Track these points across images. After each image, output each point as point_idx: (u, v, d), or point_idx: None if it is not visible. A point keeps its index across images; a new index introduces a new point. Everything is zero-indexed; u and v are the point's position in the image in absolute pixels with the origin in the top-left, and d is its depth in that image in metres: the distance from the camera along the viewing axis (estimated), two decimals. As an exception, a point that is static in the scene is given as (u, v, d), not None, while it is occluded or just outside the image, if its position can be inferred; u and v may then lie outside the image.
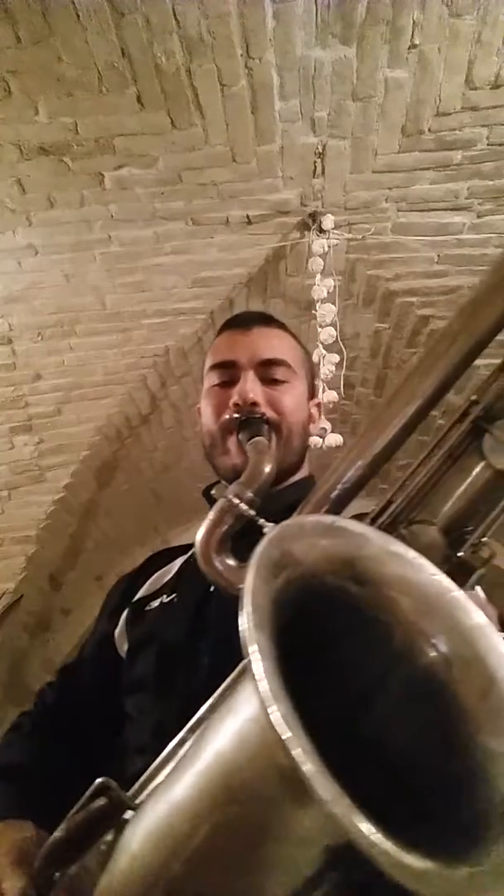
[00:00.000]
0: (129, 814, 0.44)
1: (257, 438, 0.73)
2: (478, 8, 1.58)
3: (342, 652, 0.45)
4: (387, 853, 0.28)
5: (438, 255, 2.35)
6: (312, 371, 0.98)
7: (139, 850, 0.41)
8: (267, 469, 0.64)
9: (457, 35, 1.63)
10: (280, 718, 0.29)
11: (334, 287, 2.29)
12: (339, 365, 2.37)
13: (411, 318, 2.64)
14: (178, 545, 1.03)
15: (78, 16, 1.51)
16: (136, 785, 0.47)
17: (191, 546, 0.95)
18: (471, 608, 0.42)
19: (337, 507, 0.53)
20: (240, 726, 0.38)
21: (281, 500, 0.75)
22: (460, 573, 0.46)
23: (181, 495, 3.63)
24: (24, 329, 2.46)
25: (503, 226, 2.21)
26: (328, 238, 2.21)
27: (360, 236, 2.28)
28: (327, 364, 2.31)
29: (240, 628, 0.33)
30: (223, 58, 1.65)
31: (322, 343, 2.29)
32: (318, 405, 0.98)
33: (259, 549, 0.37)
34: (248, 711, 0.36)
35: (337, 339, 2.31)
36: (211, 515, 0.59)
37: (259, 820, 0.35)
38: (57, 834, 0.47)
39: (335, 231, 2.22)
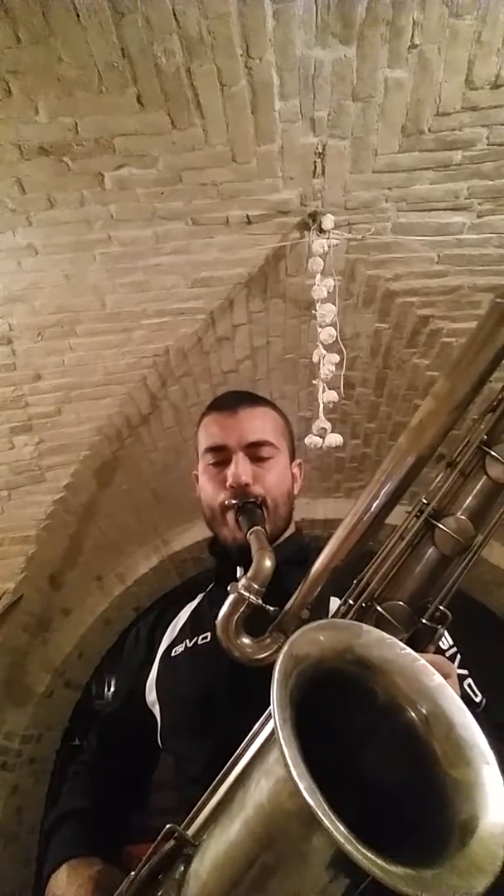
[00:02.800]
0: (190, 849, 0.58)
1: (256, 528, 0.85)
2: (478, 8, 1.58)
3: (345, 712, 0.59)
4: (379, 866, 0.42)
5: (438, 255, 2.35)
6: (292, 436, 1.11)
7: (207, 878, 0.54)
8: (268, 564, 0.75)
9: (457, 35, 1.63)
10: (304, 788, 0.42)
11: (334, 287, 2.29)
12: (339, 365, 2.37)
13: (411, 318, 2.64)
14: (176, 590, 1.16)
15: (78, 16, 1.51)
16: (196, 823, 0.60)
17: (189, 591, 1.11)
18: (431, 671, 0.57)
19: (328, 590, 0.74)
20: (272, 785, 0.51)
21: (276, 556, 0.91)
22: (426, 633, 0.64)
23: (181, 495, 3.63)
24: (24, 329, 2.45)
25: (503, 226, 2.22)
26: (328, 238, 2.21)
27: (360, 236, 2.28)
28: (327, 364, 2.31)
29: (272, 716, 0.46)
30: (223, 58, 1.65)
31: (322, 343, 2.29)
32: (300, 464, 1.11)
33: (278, 661, 0.51)
34: (278, 774, 0.50)
35: (337, 339, 2.30)
36: (226, 607, 0.73)
37: (292, 848, 0.49)
38: (138, 871, 0.59)
39: (335, 231, 2.22)
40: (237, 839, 0.53)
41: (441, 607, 0.64)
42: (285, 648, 0.53)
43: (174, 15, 1.54)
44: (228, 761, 0.61)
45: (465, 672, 0.81)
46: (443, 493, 0.65)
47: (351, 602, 0.66)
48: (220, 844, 0.55)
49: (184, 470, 3.38)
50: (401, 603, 0.63)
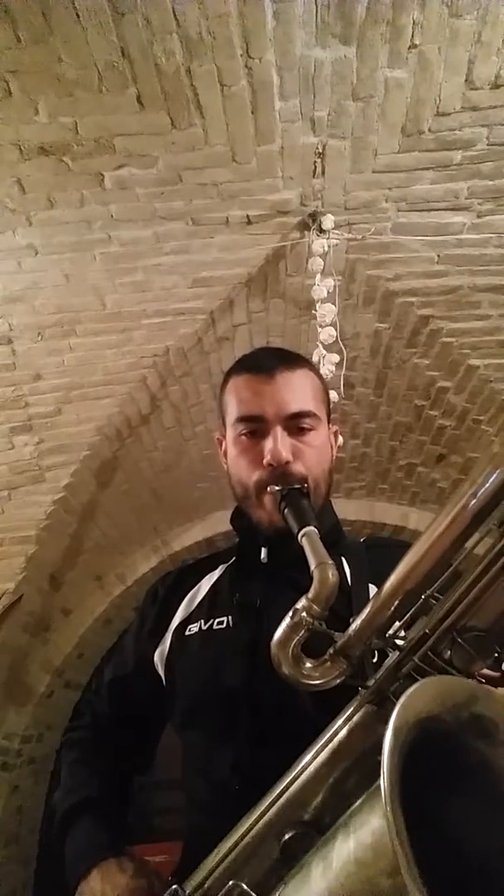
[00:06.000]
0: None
1: (308, 529, 0.73)
2: (478, 8, 1.58)
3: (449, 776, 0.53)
4: None
5: (438, 255, 2.35)
6: (328, 398, 1.01)
7: None
8: (332, 581, 0.65)
9: (457, 35, 1.63)
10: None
11: (334, 287, 2.29)
12: (339, 365, 2.38)
13: (411, 318, 2.64)
14: (200, 559, 1.07)
15: (78, 16, 1.51)
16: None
17: (212, 561, 1.02)
18: None
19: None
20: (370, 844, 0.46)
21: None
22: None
23: (181, 495, 3.63)
24: (24, 329, 2.45)
25: (503, 226, 2.22)
26: (328, 238, 2.21)
27: (360, 236, 2.28)
28: (327, 364, 2.31)
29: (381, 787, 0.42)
30: (223, 58, 1.65)
31: (322, 343, 2.30)
32: (336, 432, 1.01)
33: (388, 736, 0.46)
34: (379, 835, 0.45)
35: (337, 339, 2.31)
36: (283, 629, 0.64)
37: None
38: None
39: (335, 231, 2.22)
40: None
41: None
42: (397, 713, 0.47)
43: (174, 15, 1.54)
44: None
45: None
46: None
47: (427, 631, 0.59)
48: None
49: (184, 470, 3.39)
50: (483, 635, 0.57)
